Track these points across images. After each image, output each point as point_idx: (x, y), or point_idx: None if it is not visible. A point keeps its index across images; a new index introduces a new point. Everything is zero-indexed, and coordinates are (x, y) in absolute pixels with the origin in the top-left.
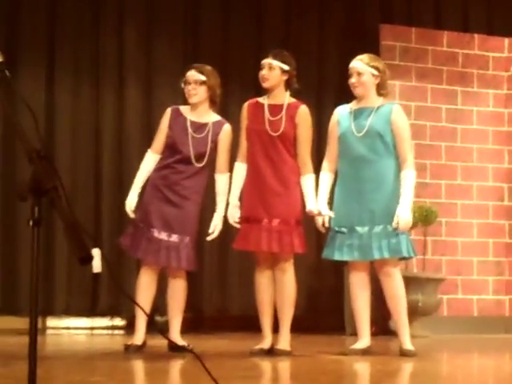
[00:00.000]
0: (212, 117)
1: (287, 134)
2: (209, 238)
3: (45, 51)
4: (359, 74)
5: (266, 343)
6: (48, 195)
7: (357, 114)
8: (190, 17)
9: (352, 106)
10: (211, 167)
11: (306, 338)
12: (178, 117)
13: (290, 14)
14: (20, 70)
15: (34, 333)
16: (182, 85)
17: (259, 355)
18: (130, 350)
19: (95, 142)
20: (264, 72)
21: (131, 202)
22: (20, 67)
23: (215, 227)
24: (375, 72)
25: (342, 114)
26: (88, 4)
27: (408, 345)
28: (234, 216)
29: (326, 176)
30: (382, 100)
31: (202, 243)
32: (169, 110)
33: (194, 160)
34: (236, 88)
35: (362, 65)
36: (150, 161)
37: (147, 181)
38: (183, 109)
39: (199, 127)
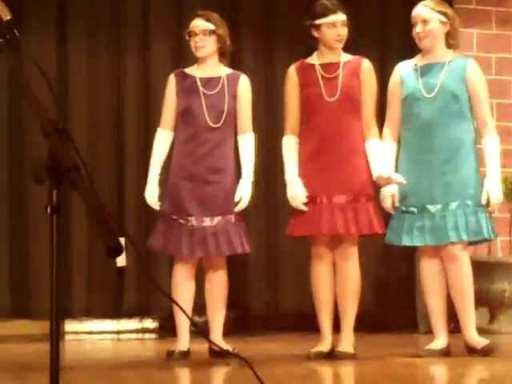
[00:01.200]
0: (224, 70)
1: (350, 93)
2: (236, 209)
3: (55, 5)
4: (425, 21)
5: (325, 345)
6: (68, 175)
7: (424, 71)
8: None
9: (417, 61)
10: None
11: (373, 337)
12: (184, 80)
13: None
14: (26, 28)
15: (56, 339)
16: (187, 37)
17: (318, 359)
18: (175, 357)
19: (116, 111)
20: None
21: (153, 192)
22: (26, 25)
23: (242, 196)
24: (443, 18)
25: (405, 71)
26: None
27: (479, 339)
28: (300, 196)
29: (389, 146)
30: (452, 53)
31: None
32: (172, 76)
33: (211, 122)
34: (282, 43)
35: (427, 10)
36: (162, 140)
37: (167, 164)
38: (189, 70)
39: (211, 83)
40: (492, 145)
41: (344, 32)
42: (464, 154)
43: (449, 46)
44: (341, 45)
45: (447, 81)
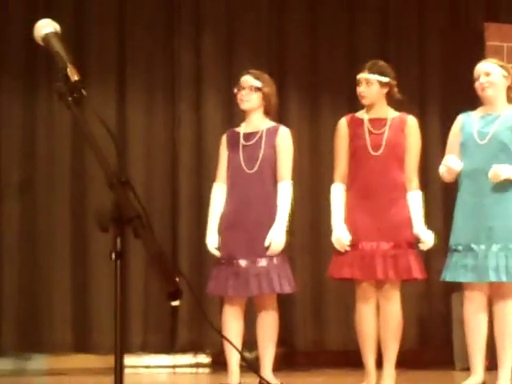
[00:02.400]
0: (266, 124)
1: (394, 148)
2: (268, 253)
3: (115, 67)
4: (487, 73)
5: (369, 381)
6: (131, 224)
7: (481, 121)
8: (274, 27)
9: (478, 112)
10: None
11: (413, 374)
12: (233, 136)
13: (386, 13)
14: (89, 88)
15: (120, 372)
16: (235, 90)
17: None
18: None
19: (171, 162)
20: (361, 89)
21: (213, 241)
22: (89, 84)
23: (272, 241)
24: (505, 73)
25: (465, 120)
26: (162, 15)
27: (504, 381)
28: (344, 240)
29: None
30: (510, 107)
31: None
32: (224, 136)
33: (246, 167)
34: (326, 99)
35: (490, 64)
36: (218, 193)
37: None
38: (238, 128)
39: (251, 136)
40: None
41: (364, 90)
42: (510, 198)
43: (509, 100)
44: (365, 101)
45: (499, 130)
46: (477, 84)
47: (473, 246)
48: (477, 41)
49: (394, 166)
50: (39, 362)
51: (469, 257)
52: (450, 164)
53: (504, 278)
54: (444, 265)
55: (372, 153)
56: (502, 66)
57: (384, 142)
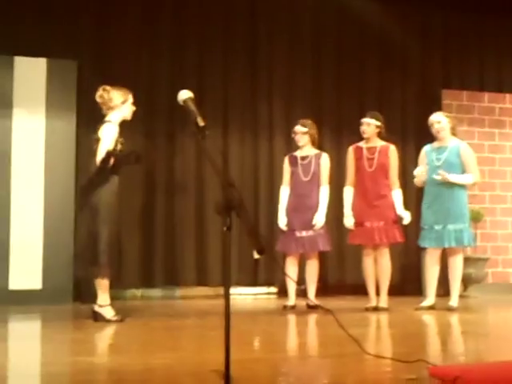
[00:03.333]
0: (313, 151)
1: (382, 165)
2: (314, 228)
3: (222, 117)
4: (438, 122)
5: (372, 303)
6: (235, 210)
7: (438, 150)
8: (316, 92)
9: (434, 145)
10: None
11: (397, 299)
12: (292, 158)
13: (381, 83)
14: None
15: (227, 297)
16: (293, 135)
17: (369, 311)
18: (287, 308)
19: (255, 174)
20: (363, 128)
21: (283, 221)
22: (208, 127)
23: (316, 221)
24: (448, 119)
25: (427, 150)
26: (249, 87)
27: (454, 302)
28: (349, 222)
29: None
30: (454, 139)
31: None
32: (286, 157)
33: (303, 177)
34: (346, 135)
35: (440, 116)
36: (284, 192)
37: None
38: (295, 152)
39: (305, 158)
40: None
41: (365, 129)
42: (456, 196)
43: (453, 134)
44: (365, 136)
45: (448, 156)
46: (432, 129)
47: (435, 226)
48: (436, 100)
49: (381, 177)
50: (177, 291)
51: (433, 232)
52: (415, 172)
53: (454, 244)
54: (418, 235)
55: (367, 169)
56: (446, 116)
57: (375, 163)
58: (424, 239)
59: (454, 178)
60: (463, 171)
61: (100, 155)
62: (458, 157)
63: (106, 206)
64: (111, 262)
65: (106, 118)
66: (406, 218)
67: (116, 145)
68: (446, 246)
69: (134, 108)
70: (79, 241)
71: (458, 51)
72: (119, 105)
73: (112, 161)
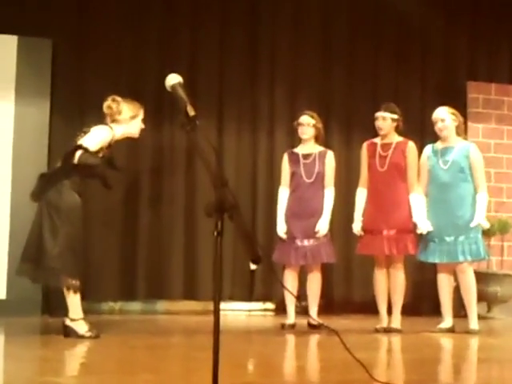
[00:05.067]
0: (317, 148)
1: (396, 164)
2: (317, 236)
3: (216, 106)
4: (442, 120)
5: (382, 323)
6: (228, 213)
7: (442, 152)
8: (324, 81)
9: (437, 145)
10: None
11: (412, 319)
12: (292, 155)
13: (398, 71)
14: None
15: (217, 313)
16: (296, 125)
17: (380, 332)
18: (286, 327)
19: (252, 171)
20: (379, 123)
21: (282, 228)
22: (199, 117)
23: (319, 228)
24: (453, 117)
25: (430, 152)
26: (248, 72)
27: (474, 325)
28: (357, 228)
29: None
30: (459, 139)
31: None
32: (285, 154)
33: (306, 178)
34: (357, 131)
35: (444, 112)
36: (283, 194)
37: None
38: (296, 149)
39: (308, 156)
40: (482, 198)
41: (381, 124)
42: (466, 203)
43: (458, 134)
44: (381, 132)
45: (456, 158)
46: (436, 127)
47: (445, 237)
48: (461, 93)
49: (395, 178)
50: (160, 305)
51: (443, 244)
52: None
53: (469, 258)
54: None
55: (379, 169)
56: (451, 113)
57: (387, 162)
58: (433, 253)
59: (481, 215)
60: (470, 175)
61: (73, 147)
62: (467, 159)
63: (68, 205)
64: (73, 269)
65: (109, 124)
66: (423, 227)
67: (98, 151)
68: (461, 260)
69: (143, 126)
70: (28, 239)
71: (486, 38)
72: (127, 119)
73: (76, 159)
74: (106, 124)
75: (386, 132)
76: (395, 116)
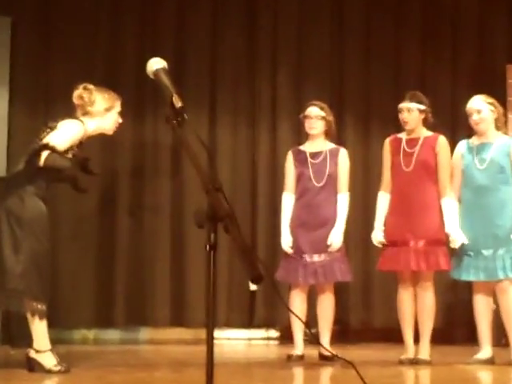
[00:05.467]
0: (328, 145)
1: (426, 162)
2: (329, 250)
3: (207, 95)
4: (479, 111)
5: (409, 353)
6: (223, 222)
7: (478, 149)
8: (335, 67)
9: (473, 141)
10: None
11: (443, 348)
12: (299, 154)
13: (424, 53)
14: (187, 113)
15: (211, 343)
16: (303, 118)
17: (406, 364)
18: (293, 359)
19: (252, 173)
20: (404, 115)
21: (287, 241)
22: (187, 110)
23: (332, 241)
24: (492, 108)
25: (464, 149)
26: (246, 56)
27: None
28: (378, 238)
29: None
30: (499, 134)
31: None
32: (290, 152)
33: (316, 182)
34: (376, 125)
35: (480, 102)
36: (288, 200)
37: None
38: (302, 146)
39: (317, 155)
40: None
41: (406, 116)
42: (508, 210)
43: (497, 128)
44: (407, 126)
45: (495, 156)
46: (470, 120)
47: (482, 250)
48: (500, 79)
49: (424, 179)
50: (143, 333)
51: (479, 259)
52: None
53: (511, 275)
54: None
55: (404, 169)
56: (489, 103)
57: (414, 160)
58: (467, 270)
59: None
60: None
61: (38, 146)
62: (508, 157)
63: (32, 214)
64: (39, 291)
65: (80, 118)
66: (457, 239)
67: (67, 150)
68: (501, 277)
69: (120, 120)
70: None
71: None
72: (101, 112)
73: (42, 162)
74: (77, 118)
75: (412, 126)
76: (422, 107)
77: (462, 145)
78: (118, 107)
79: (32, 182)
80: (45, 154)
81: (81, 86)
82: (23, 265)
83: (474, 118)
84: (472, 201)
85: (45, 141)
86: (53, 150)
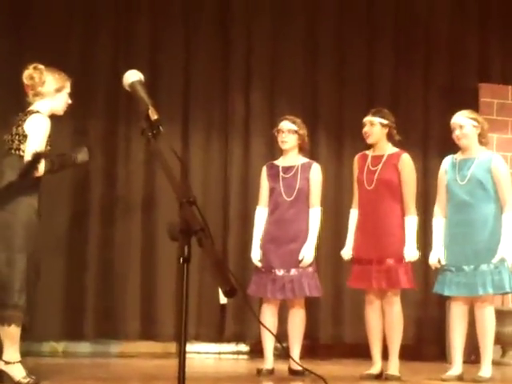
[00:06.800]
0: (300, 160)
1: (388, 181)
2: (300, 265)
3: (180, 110)
4: (461, 126)
5: (375, 368)
6: (196, 236)
7: (461, 164)
8: (308, 84)
9: (457, 156)
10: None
11: (412, 364)
12: (272, 169)
13: (397, 69)
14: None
15: (183, 358)
16: (276, 133)
17: (369, 379)
18: (263, 374)
19: (224, 187)
20: (366, 129)
21: (257, 254)
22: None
23: (304, 256)
24: (475, 123)
25: (447, 168)
26: (219, 72)
27: (486, 372)
28: (346, 255)
29: (440, 221)
30: (483, 149)
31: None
32: (264, 167)
33: (285, 195)
34: (349, 141)
35: (463, 118)
36: (260, 215)
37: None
38: (276, 161)
39: (289, 169)
40: (509, 220)
41: (368, 129)
42: (489, 226)
43: (481, 143)
44: (369, 140)
45: (476, 171)
46: (453, 135)
47: (463, 266)
48: (472, 97)
49: (386, 197)
50: (113, 346)
51: (460, 275)
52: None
53: (491, 291)
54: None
55: (366, 187)
56: (472, 118)
57: (375, 179)
58: (449, 285)
59: (507, 245)
60: (494, 192)
61: (28, 157)
62: (489, 173)
63: (25, 227)
64: (27, 303)
65: (32, 108)
66: (409, 255)
67: (47, 145)
68: (481, 293)
69: (69, 101)
70: None
71: (500, 31)
72: (52, 92)
73: (42, 167)
74: (29, 103)
75: (374, 140)
76: (385, 121)
77: (447, 161)
78: (68, 88)
79: (25, 194)
80: (42, 164)
81: (31, 66)
82: (18, 279)
83: (457, 133)
84: (454, 217)
85: (30, 150)
86: (45, 156)
